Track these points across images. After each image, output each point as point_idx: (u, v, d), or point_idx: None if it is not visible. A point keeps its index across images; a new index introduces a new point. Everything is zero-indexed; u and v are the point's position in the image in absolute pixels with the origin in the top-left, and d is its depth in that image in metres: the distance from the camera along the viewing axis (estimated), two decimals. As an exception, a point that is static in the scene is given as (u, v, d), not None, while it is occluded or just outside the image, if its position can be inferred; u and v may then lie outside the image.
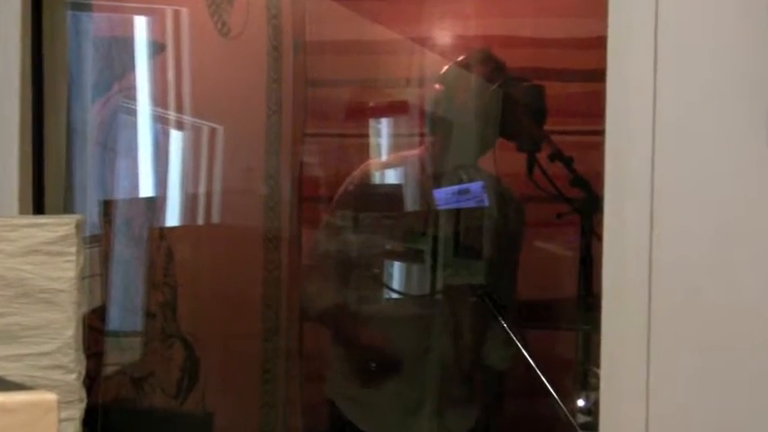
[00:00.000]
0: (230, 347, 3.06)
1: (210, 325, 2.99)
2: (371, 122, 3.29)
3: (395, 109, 3.28)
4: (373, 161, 2.92)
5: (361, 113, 3.42)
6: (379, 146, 3.28)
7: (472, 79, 2.79)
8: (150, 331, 2.83)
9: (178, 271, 2.89)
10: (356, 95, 3.49)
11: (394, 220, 2.78)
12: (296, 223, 3.27)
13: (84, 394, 1.80)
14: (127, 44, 2.66)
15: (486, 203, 2.82)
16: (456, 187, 2.83)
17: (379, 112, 3.33)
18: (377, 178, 2.88)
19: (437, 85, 2.83)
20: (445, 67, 2.85)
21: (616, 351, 1.52)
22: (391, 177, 2.91)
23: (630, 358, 1.51)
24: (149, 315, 2.83)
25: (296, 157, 3.32)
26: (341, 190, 2.86)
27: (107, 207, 2.60)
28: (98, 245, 2.52)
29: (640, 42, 1.51)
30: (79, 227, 1.83)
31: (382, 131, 3.28)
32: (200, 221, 3.04)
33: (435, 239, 2.79)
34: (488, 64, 2.79)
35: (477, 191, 2.85)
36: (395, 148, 3.30)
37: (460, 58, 2.86)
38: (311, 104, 3.39)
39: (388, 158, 2.97)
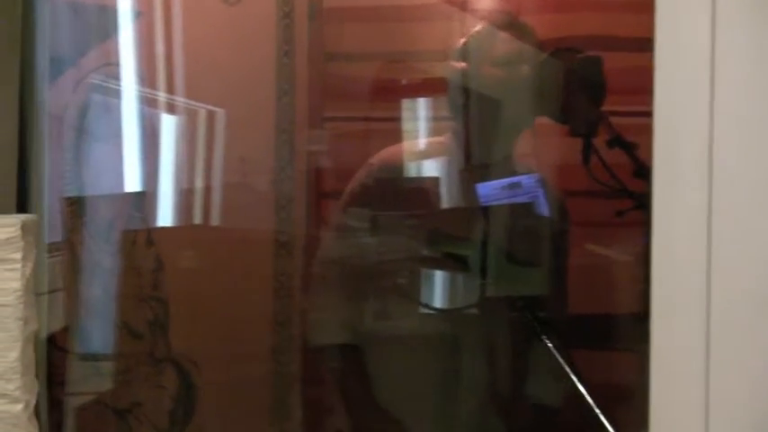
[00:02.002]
0: (233, 373, 3.04)
1: (209, 346, 2.98)
2: (403, 104, 3.23)
3: (431, 88, 3.22)
4: (390, 149, 2.86)
5: (390, 93, 3.33)
6: (412, 132, 3.21)
7: (498, 49, 2.73)
8: (136, 354, 2.80)
9: (169, 282, 2.85)
10: (384, 71, 3.41)
11: (422, 220, 2.72)
12: (312, 224, 3.23)
13: (34, 428, 1.76)
14: (95, 11, 2.63)
15: (542, 199, 2.76)
16: (505, 181, 2.77)
17: (413, 91, 3.27)
18: (396, 169, 2.82)
19: (454, 63, 2.78)
20: (462, 40, 2.79)
21: (669, 376, 1.47)
22: (413, 168, 2.85)
23: (686, 383, 1.46)
24: (135, 335, 2.81)
25: (312, 145, 3.27)
26: (354, 183, 2.81)
27: (77, 205, 2.56)
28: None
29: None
30: (28, 229, 1.79)
31: (416, 114, 3.21)
32: (197, 222, 2.99)
33: (478, 243, 2.73)
34: (514, 30, 2.74)
35: (529, 185, 2.79)
36: (432, 134, 3.24)
37: (478, 28, 2.80)
38: (330, 82, 3.34)
39: (406, 146, 2.91)
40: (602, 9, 3.23)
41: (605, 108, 2.59)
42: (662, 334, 1.47)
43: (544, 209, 2.77)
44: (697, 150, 1.46)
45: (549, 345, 2.42)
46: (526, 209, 2.74)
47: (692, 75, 1.48)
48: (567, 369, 2.35)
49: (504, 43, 2.76)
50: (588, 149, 2.54)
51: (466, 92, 2.76)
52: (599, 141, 2.53)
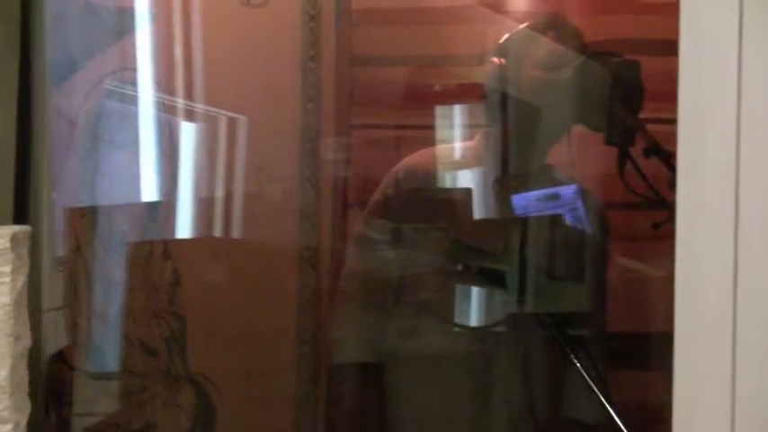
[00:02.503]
0: (254, 393, 2.99)
1: (229, 364, 2.95)
2: (436, 111, 3.19)
3: (465, 94, 3.18)
4: (414, 156, 2.83)
5: (421, 99, 3.31)
6: (444, 140, 3.17)
7: (541, 51, 2.69)
8: (151, 372, 2.78)
9: (187, 297, 2.83)
10: (415, 77, 3.39)
11: (450, 232, 2.69)
12: (338, 236, 3.20)
13: (25, 451, 1.74)
14: (108, 12, 2.61)
15: (582, 212, 2.72)
16: (542, 191, 2.73)
17: (446, 97, 3.23)
18: (422, 178, 2.79)
19: (495, 59, 2.73)
20: (505, 36, 2.75)
21: (693, 401, 1.43)
22: (441, 176, 2.81)
23: (711, 405, 1.42)
24: (150, 352, 2.78)
25: (338, 153, 3.23)
26: (377, 194, 2.80)
27: (89, 216, 2.55)
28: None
29: None
30: (19, 241, 1.77)
31: (449, 122, 3.17)
32: (216, 234, 2.96)
33: (512, 258, 2.69)
34: (559, 31, 2.70)
35: (569, 197, 2.74)
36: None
37: (524, 25, 2.76)
38: (358, 88, 3.31)
39: (432, 152, 2.87)
40: (639, 11, 3.18)
41: (642, 115, 2.54)
42: (686, 350, 1.44)
43: (584, 222, 2.72)
44: (723, 158, 1.42)
45: (577, 363, 2.37)
46: (565, 222, 2.70)
47: (718, 79, 1.44)
48: (594, 387, 2.30)
49: (548, 44, 2.72)
50: (624, 159, 2.49)
51: (503, 94, 2.72)
52: (635, 150, 2.48)
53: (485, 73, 2.82)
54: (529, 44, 2.73)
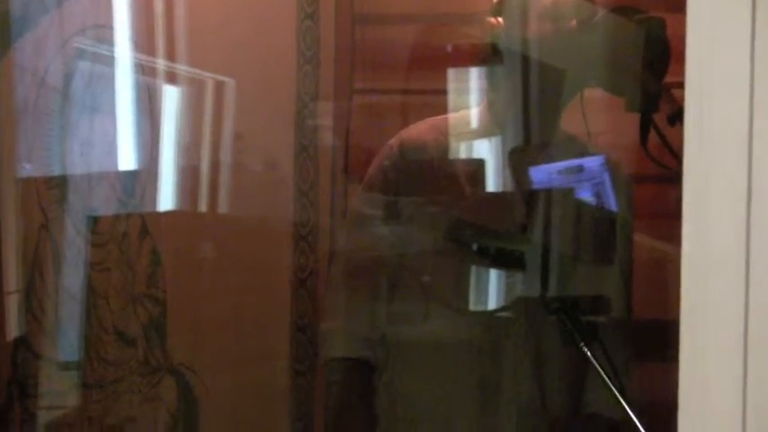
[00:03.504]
0: (243, 385, 2.98)
1: (214, 353, 2.92)
2: (447, 74, 3.15)
3: (479, 55, 3.13)
4: (414, 126, 2.78)
5: (431, 61, 3.25)
6: (459, 107, 3.13)
7: (547, 6, 2.62)
8: (128, 362, 2.74)
9: (168, 279, 2.79)
10: (424, 36, 3.35)
11: (453, 208, 2.64)
12: (338, 212, 3.17)
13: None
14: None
15: (608, 187, 2.66)
16: (563, 164, 2.68)
17: (458, 59, 3.16)
18: (421, 149, 2.74)
19: (491, 19, 2.68)
20: None
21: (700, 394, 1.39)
22: (443, 147, 2.77)
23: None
24: (126, 340, 2.74)
25: (340, 121, 3.19)
26: (372, 167, 2.74)
27: (59, 188, 2.51)
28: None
29: None
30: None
31: (462, 86, 3.12)
32: (201, 209, 2.93)
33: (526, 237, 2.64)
34: None
35: (593, 169, 2.69)
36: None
37: None
38: (361, 48, 3.28)
39: (433, 121, 2.82)
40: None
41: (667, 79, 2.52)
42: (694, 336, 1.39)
43: (609, 198, 2.67)
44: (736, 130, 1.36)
45: (588, 353, 2.32)
46: (589, 197, 2.65)
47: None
48: (606, 378, 2.25)
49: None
50: (647, 126, 2.47)
51: (509, 52, 2.67)
52: (658, 118, 2.48)
53: (487, 25, 2.78)
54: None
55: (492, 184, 2.74)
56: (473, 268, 2.68)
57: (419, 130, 2.78)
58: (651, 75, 2.50)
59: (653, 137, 2.52)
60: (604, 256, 2.68)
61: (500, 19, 2.68)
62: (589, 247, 2.65)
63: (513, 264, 2.63)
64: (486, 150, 2.76)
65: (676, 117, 2.42)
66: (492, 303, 2.74)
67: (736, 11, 1.35)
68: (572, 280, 2.57)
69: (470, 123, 2.78)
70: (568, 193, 2.61)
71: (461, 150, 2.80)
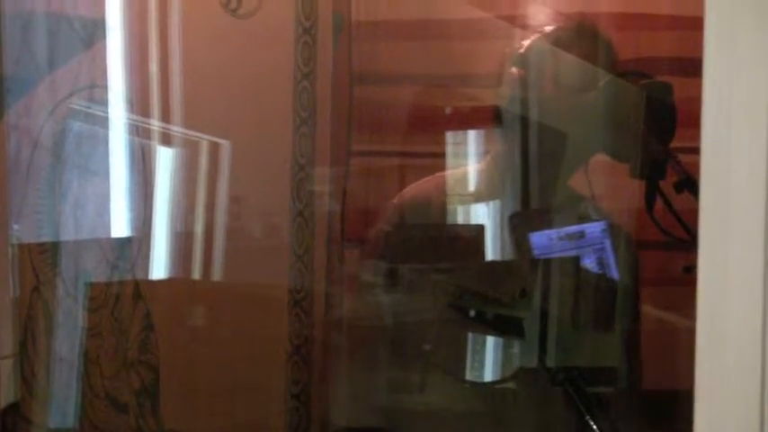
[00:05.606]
0: None
1: (208, 421, 2.92)
2: (447, 137, 3.18)
3: (481, 118, 3.17)
4: (416, 185, 2.81)
5: (430, 124, 3.29)
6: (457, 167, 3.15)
7: (566, 62, 2.66)
8: (119, 428, 2.77)
9: (161, 344, 2.81)
10: (424, 98, 3.38)
11: (456, 275, 2.66)
12: (335, 279, 3.18)
13: None
14: (72, 23, 2.61)
15: (610, 253, 2.70)
16: (564, 229, 2.71)
17: (458, 121, 3.21)
18: (424, 210, 2.77)
19: (513, 69, 2.71)
20: (526, 43, 2.72)
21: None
22: (446, 209, 2.79)
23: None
24: (118, 407, 2.77)
25: (336, 184, 3.22)
26: (373, 230, 2.82)
27: (50, 252, 2.55)
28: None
29: None
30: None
31: (462, 150, 3.16)
32: (195, 275, 2.95)
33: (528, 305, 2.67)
34: (589, 42, 2.67)
35: (595, 235, 2.73)
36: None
37: (549, 29, 2.74)
38: (359, 110, 3.27)
39: (436, 181, 2.84)
40: (675, 27, 3.17)
41: (674, 144, 2.54)
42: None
43: (610, 264, 2.70)
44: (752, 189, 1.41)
45: (593, 425, 2.34)
46: (589, 264, 2.68)
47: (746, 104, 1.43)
48: None
49: (574, 60, 2.69)
50: (653, 193, 2.50)
51: (521, 111, 2.70)
52: (664, 184, 2.50)
53: (502, 94, 2.80)
54: (553, 56, 2.70)
55: (494, 248, 2.75)
56: (475, 336, 2.70)
57: (420, 190, 2.83)
58: (657, 140, 2.53)
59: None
60: (606, 324, 2.70)
61: (518, 70, 2.71)
62: (590, 315, 2.66)
63: (516, 332, 2.64)
64: (487, 212, 2.77)
65: (683, 184, 2.44)
66: (495, 373, 2.75)
67: (752, 71, 1.41)
68: (576, 349, 2.58)
69: (472, 181, 2.83)
70: (569, 259, 2.63)
71: (462, 213, 2.82)
